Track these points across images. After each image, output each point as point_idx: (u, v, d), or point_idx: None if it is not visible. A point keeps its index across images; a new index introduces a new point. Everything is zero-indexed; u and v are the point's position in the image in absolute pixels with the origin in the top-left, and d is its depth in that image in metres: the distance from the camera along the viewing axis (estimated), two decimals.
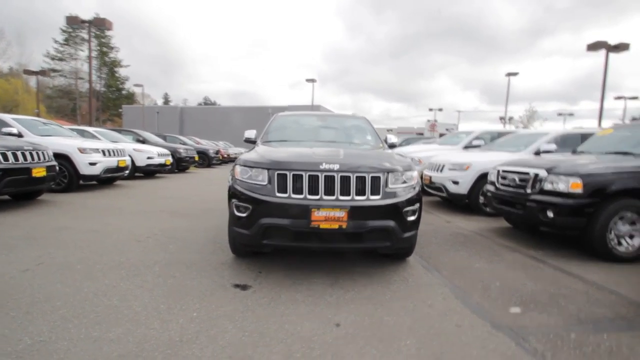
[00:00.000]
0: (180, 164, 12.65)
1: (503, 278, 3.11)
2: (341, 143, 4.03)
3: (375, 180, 2.80)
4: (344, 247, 2.90)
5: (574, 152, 5.25)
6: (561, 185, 3.76)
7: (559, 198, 3.75)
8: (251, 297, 2.57)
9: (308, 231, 2.68)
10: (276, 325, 2.17)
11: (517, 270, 3.33)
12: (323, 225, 2.65)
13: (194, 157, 13.75)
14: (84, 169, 7.15)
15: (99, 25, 14.07)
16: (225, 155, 19.88)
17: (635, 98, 28.59)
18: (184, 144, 15.97)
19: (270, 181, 2.80)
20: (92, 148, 7.40)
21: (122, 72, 45.00)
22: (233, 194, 2.95)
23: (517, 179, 4.34)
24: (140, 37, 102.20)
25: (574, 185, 3.63)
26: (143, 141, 12.01)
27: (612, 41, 14.72)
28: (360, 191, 2.76)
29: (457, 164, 6.22)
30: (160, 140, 13.41)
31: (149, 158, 10.20)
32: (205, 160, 16.41)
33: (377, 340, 2.03)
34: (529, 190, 4.11)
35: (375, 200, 2.75)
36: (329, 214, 2.64)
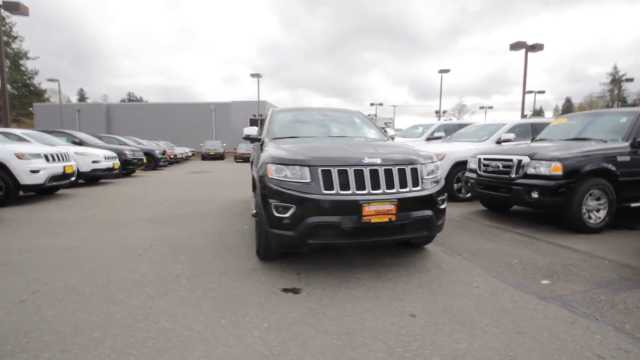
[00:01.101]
0: (126, 167, 11.42)
1: (515, 255, 3.44)
2: (352, 137, 4.04)
3: (414, 172, 2.89)
4: (388, 239, 2.93)
5: (533, 139, 5.98)
6: (543, 169, 4.26)
7: (542, 180, 4.25)
8: (309, 299, 2.48)
9: (358, 227, 2.66)
10: (357, 323, 2.13)
11: (521, 247, 3.72)
12: (374, 220, 2.65)
13: (141, 159, 12.51)
14: (25, 178, 6.07)
15: (12, 10, 11.70)
16: (172, 156, 18.44)
17: (542, 92, 33.43)
18: (124, 144, 14.41)
19: (314, 178, 2.71)
20: (31, 153, 6.31)
21: (29, 65, 38.60)
22: (269, 194, 2.79)
23: (500, 166, 4.80)
24: (47, 25, 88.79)
25: (555, 169, 4.16)
26: (80, 143, 10.54)
27: (517, 40, 16.94)
28: (402, 183, 2.82)
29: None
30: (99, 142, 11.91)
31: (94, 162, 9.02)
32: (152, 162, 15.03)
33: (459, 324, 2.12)
34: (513, 175, 4.58)
35: (417, 191, 2.84)
36: (379, 208, 2.65)
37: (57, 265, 3.17)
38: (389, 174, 2.78)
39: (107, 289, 2.65)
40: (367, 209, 2.63)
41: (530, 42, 16.71)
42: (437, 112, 30.67)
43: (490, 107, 43.90)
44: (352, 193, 2.68)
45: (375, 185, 2.73)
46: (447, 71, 26.05)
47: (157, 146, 17.74)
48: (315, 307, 2.36)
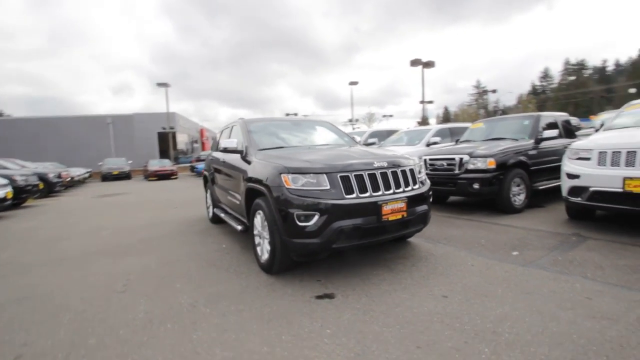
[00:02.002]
0: (18, 196, 9.28)
1: (479, 237, 4.11)
2: (334, 145, 4.23)
3: (412, 173, 3.25)
4: (398, 235, 3.19)
5: (457, 141, 7.11)
6: (480, 164, 5.17)
7: (480, 174, 5.15)
8: (348, 301, 2.57)
9: (378, 226, 2.87)
10: (407, 312, 2.34)
11: (479, 230, 4.44)
12: (391, 218, 2.91)
13: (37, 185, 10.31)
14: None
15: None
16: (69, 179, 15.59)
17: (431, 102, 39.04)
18: (4, 167, 11.64)
19: (334, 184, 2.82)
20: None
21: None
22: (289, 204, 2.79)
23: (445, 164, 5.61)
24: None
25: (490, 163, 5.09)
26: None
27: (414, 58, 19.81)
28: (406, 183, 3.14)
29: None
30: None
31: None
32: (45, 187, 12.47)
33: (483, 296, 2.51)
34: (457, 171, 5.42)
35: (417, 189, 3.20)
36: (394, 207, 2.92)
37: (26, 319, 2.54)
38: (395, 175, 3.08)
39: (117, 336, 2.28)
40: (385, 209, 2.87)
41: (424, 60, 19.47)
42: (350, 121, 33.18)
43: (391, 116, 49.39)
44: (370, 195, 2.89)
45: (387, 186, 2.99)
46: (355, 83, 28.43)
47: (52, 168, 14.81)
48: (360, 306, 2.48)
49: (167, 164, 21.57)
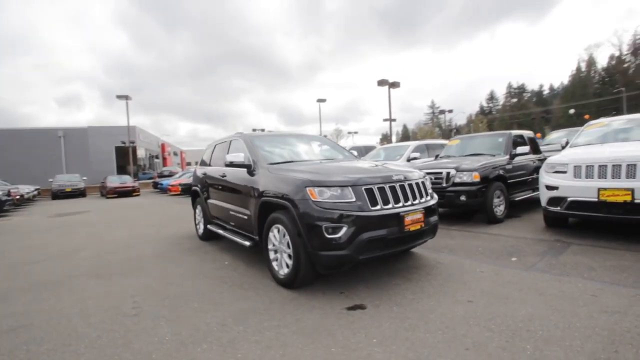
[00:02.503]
0: None
1: (475, 245, 4.38)
2: (343, 159, 4.32)
3: (424, 185, 3.44)
4: (413, 245, 3.32)
5: (437, 157, 7.56)
6: (466, 178, 5.55)
7: (466, 187, 5.52)
8: (381, 310, 2.63)
9: (400, 236, 2.99)
10: (442, 317, 2.44)
11: (472, 239, 4.73)
12: (412, 228, 3.04)
13: None
14: None
15: None
16: (18, 197, 14.10)
17: (394, 120, 40.93)
18: None
19: (359, 197, 2.90)
20: None
21: None
22: (317, 217, 2.82)
23: (433, 178, 5.93)
24: None
25: (475, 177, 5.48)
26: None
27: (380, 78, 20.89)
28: (420, 195, 3.31)
29: None
30: None
31: None
32: None
33: (504, 299, 2.70)
34: (444, 184, 5.75)
35: (429, 200, 3.39)
36: (414, 217, 3.07)
37: (32, 358, 2.28)
38: (411, 188, 3.24)
39: None
40: (407, 219, 3.00)
41: (390, 80, 20.54)
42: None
43: (356, 132, 50.94)
44: (392, 207, 3.01)
45: (406, 198, 3.14)
46: (323, 100, 29.11)
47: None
48: (394, 315, 2.54)
49: (127, 180, 20.31)
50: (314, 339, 2.25)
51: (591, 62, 78.27)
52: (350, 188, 2.93)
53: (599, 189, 4.03)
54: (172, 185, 18.83)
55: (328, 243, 2.81)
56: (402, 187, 3.16)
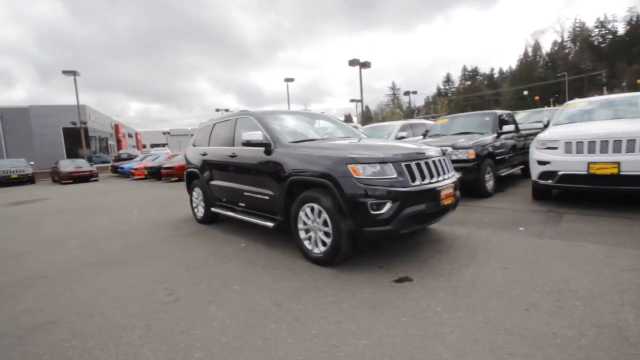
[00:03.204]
0: None
1: (479, 218, 4.66)
2: (353, 137, 4.30)
3: (449, 161, 3.55)
4: (442, 218, 3.45)
5: (425, 135, 7.80)
6: (462, 155, 5.82)
7: (463, 163, 5.79)
8: (434, 283, 2.72)
9: (437, 210, 3.10)
10: (490, 284, 2.60)
11: (475, 213, 5.01)
12: (446, 202, 3.16)
13: None
14: None
15: None
16: None
17: (360, 100, 41.29)
18: None
19: (400, 173, 2.94)
20: None
21: None
22: (361, 194, 2.82)
23: None
24: None
25: (471, 154, 5.76)
26: None
27: (353, 58, 20.87)
28: (449, 170, 3.43)
29: None
30: None
31: None
32: None
33: (534, 264, 2.92)
34: None
35: (455, 175, 3.52)
36: (448, 192, 3.18)
37: (82, 356, 2.09)
38: (440, 163, 3.33)
39: (222, 345, 2.06)
40: (442, 194, 3.11)
41: (361, 60, 20.52)
42: None
43: (323, 113, 50.89)
44: (429, 182, 3.09)
45: (437, 173, 3.23)
46: (291, 80, 28.45)
47: None
48: (443, 284, 2.66)
49: (83, 165, 18.70)
50: (380, 311, 2.30)
51: (536, 48, 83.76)
52: (391, 164, 2.95)
53: (589, 163, 4.44)
54: (135, 169, 17.70)
55: (373, 219, 2.83)
56: (434, 163, 3.24)
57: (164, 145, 52.37)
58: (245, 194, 4.15)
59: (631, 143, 4.21)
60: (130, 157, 23.66)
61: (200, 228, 5.15)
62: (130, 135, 47.22)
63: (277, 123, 4.14)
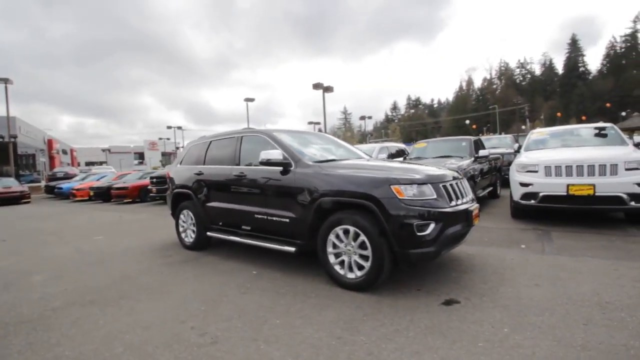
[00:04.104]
0: None
1: (481, 238, 4.86)
2: (364, 158, 4.28)
3: (466, 183, 3.69)
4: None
5: (405, 158, 8.13)
6: None
7: None
8: (481, 304, 2.72)
9: (467, 230, 3.16)
10: (549, 303, 2.67)
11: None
12: (475, 222, 3.24)
13: None
14: None
15: None
16: None
17: (318, 123, 42.25)
18: None
19: (439, 194, 2.96)
20: None
21: None
22: (407, 215, 2.78)
23: None
24: None
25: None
26: None
27: (317, 82, 21.51)
28: (468, 191, 3.55)
29: None
30: None
31: None
32: None
33: (564, 281, 3.09)
34: None
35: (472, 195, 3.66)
36: (476, 212, 3.28)
37: None
38: (463, 185, 3.44)
39: None
40: (473, 214, 3.20)
41: (325, 85, 21.15)
42: None
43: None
44: (461, 202, 3.16)
45: (462, 195, 3.32)
46: (252, 100, 28.17)
47: None
48: (492, 305, 2.67)
49: (13, 184, 16.21)
50: (451, 339, 2.22)
51: (470, 82, 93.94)
52: (430, 185, 2.97)
53: (568, 185, 4.94)
54: (78, 190, 15.86)
55: (418, 240, 2.79)
56: (458, 185, 3.34)
57: (100, 163, 47.91)
58: (257, 216, 3.87)
59: (603, 167, 4.80)
60: (67, 176, 21.09)
61: (190, 255, 4.67)
62: (65, 152, 42.36)
63: (291, 141, 3.99)
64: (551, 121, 60.51)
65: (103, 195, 14.52)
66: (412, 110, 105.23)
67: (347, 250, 3.12)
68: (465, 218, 3.11)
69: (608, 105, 50.57)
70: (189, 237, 4.96)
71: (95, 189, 14.70)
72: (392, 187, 2.88)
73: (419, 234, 2.79)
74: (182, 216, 5.07)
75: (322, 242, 3.25)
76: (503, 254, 3.99)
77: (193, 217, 4.82)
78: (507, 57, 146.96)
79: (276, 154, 3.59)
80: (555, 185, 5.06)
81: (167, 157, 69.12)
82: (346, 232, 3.10)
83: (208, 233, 4.59)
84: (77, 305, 3.10)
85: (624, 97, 54.27)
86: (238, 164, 4.25)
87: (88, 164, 49.79)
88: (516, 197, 5.58)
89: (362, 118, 39.27)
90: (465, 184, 3.59)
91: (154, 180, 12.25)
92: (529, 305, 2.63)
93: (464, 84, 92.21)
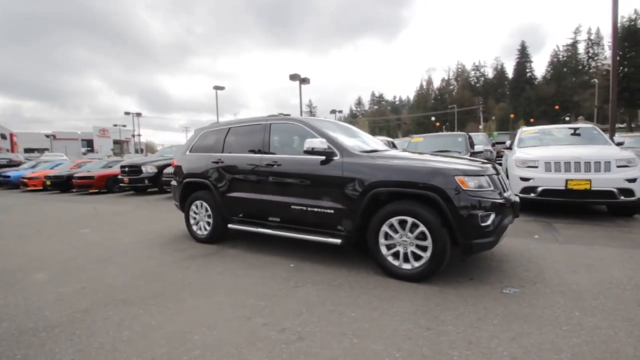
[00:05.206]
0: None
1: None
2: (393, 150, 4.28)
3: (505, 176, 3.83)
4: None
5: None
6: None
7: None
8: (540, 290, 2.85)
9: (512, 222, 3.29)
10: (600, 286, 2.86)
11: None
12: (518, 213, 3.38)
13: None
14: None
15: None
16: None
17: (288, 114, 41.48)
18: None
19: (495, 185, 3.05)
20: None
21: None
22: (472, 206, 2.83)
23: None
24: None
25: None
26: None
27: (294, 73, 21.19)
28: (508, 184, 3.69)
29: None
30: None
31: None
32: None
33: (593, 268, 3.34)
34: None
35: None
36: (518, 204, 3.42)
37: None
38: (503, 178, 3.57)
39: None
40: (517, 206, 3.33)
41: (302, 76, 20.87)
42: None
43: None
44: (508, 195, 3.27)
45: (505, 188, 3.42)
46: (222, 88, 26.96)
47: None
48: (552, 292, 2.81)
49: None
50: (534, 324, 2.30)
51: (429, 82, 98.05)
52: (487, 177, 3.04)
53: (567, 180, 5.35)
54: (29, 178, 14.27)
55: (482, 231, 2.86)
56: (501, 178, 3.46)
57: (42, 150, 43.30)
58: (295, 207, 3.72)
59: (598, 164, 5.25)
60: (12, 164, 18.77)
61: (209, 249, 4.38)
62: (3, 137, 37.55)
63: (332, 131, 3.88)
64: (502, 122, 65.17)
65: (62, 185, 13.16)
66: (376, 107, 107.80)
67: (402, 241, 3.10)
68: (514, 209, 3.24)
69: (557, 107, 55.55)
70: (203, 229, 4.65)
71: (52, 178, 13.25)
72: (456, 177, 2.91)
73: (482, 224, 2.85)
74: (194, 207, 4.73)
75: (374, 233, 3.21)
76: (523, 244, 4.22)
77: (209, 208, 4.52)
78: (464, 59, 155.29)
79: (320, 143, 3.46)
80: (555, 180, 5.45)
81: (119, 145, 64.31)
82: (401, 222, 3.09)
83: (230, 225, 4.33)
84: (111, 306, 2.77)
85: (564, 102, 60.04)
86: (268, 152, 4.04)
87: (27, 150, 44.79)
88: (516, 190, 5.92)
89: (333, 112, 39.37)
90: (504, 177, 3.73)
91: (126, 169, 11.34)
92: (580, 290, 2.81)
93: (424, 83, 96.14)
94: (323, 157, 3.54)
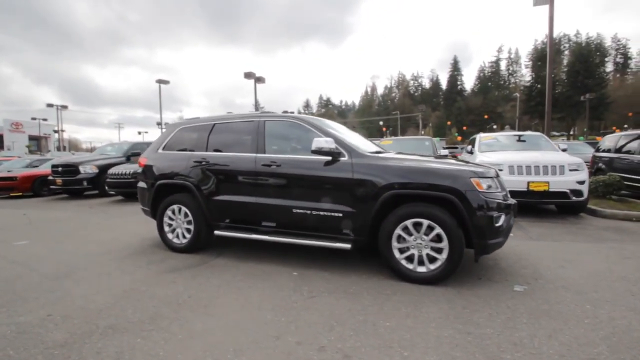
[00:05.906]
0: None
1: None
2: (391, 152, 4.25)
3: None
4: None
5: None
6: None
7: None
8: (545, 286, 3.00)
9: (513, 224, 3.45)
10: (608, 280, 3.10)
11: None
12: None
13: None
14: None
15: None
16: None
17: (231, 113, 40.01)
18: None
19: (502, 188, 3.16)
20: None
21: None
22: (488, 207, 2.89)
23: None
24: None
25: None
26: None
27: (249, 71, 20.56)
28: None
29: None
30: None
31: None
32: None
33: (605, 263, 3.65)
34: None
35: None
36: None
37: None
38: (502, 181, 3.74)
39: None
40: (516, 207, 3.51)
41: (257, 75, 20.28)
42: (159, 124, 28.29)
43: (167, 123, 46.70)
44: (510, 196, 3.42)
45: (505, 190, 3.60)
46: (166, 82, 24.92)
47: None
48: (554, 287, 2.98)
49: None
50: (559, 319, 2.40)
51: (374, 89, 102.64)
52: (495, 179, 3.14)
53: (529, 182, 5.87)
54: None
55: (496, 231, 2.94)
56: (501, 180, 3.62)
57: None
58: (297, 211, 3.47)
59: (554, 168, 5.85)
60: None
61: (192, 259, 3.90)
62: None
63: (337, 130, 3.72)
64: (439, 128, 70.58)
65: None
66: (324, 110, 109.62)
67: (416, 244, 3.06)
68: (515, 211, 3.40)
69: (486, 116, 61.72)
70: (180, 237, 4.14)
71: None
72: (472, 179, 2.95)
73: (496, 224, 2.93)
74: (169, 213, 4.19)
75: (387, 236, 3.12)
76: (523, 242, 4.44)
77: (189, 214, 4.04)
78: (404, 69, 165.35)
79: (328, 143, 3.28)
80: (518, 182, 5.94)
81: (36, 142, 56.18)
82: (418, 225, 3.05)
83: (216, 232, 3.91)
84: (96, 336, 2.27)
85: (490, 112, 67.19)
86: (263, 152, 3.74)
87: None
88: None
89: (285, 112, 38.88)
90: (502, 180, 3.91)
91: (60, 169, 9.85)
92: (577, 284, 3.03)
93: (369, 90, 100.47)
94: (329, 158, 3.37)
